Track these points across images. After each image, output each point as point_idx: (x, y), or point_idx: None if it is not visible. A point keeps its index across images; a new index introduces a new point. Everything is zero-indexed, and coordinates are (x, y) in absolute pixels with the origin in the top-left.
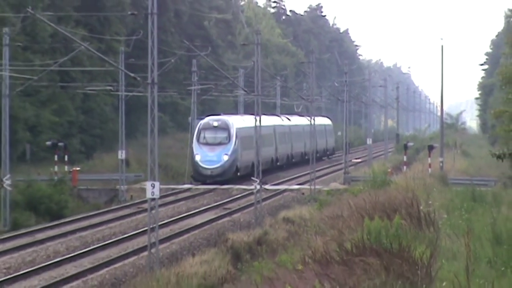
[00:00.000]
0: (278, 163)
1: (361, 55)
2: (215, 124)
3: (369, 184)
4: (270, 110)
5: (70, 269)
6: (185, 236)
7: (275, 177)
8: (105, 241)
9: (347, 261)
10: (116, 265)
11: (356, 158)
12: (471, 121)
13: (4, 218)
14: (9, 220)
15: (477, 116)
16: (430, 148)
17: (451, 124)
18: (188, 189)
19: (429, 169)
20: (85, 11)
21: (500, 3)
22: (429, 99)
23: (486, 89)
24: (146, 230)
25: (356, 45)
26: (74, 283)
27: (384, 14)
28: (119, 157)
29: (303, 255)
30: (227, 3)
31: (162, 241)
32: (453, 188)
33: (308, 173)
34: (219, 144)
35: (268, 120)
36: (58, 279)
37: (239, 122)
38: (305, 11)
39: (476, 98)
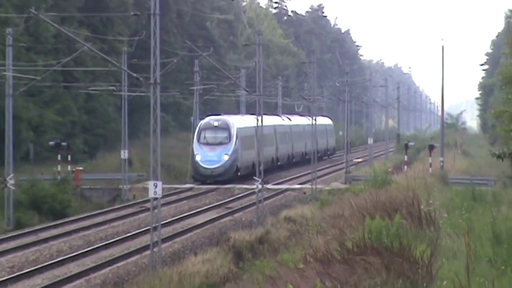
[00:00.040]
0: (278, 163)
1: (362, 55)
2: (216, 124)
3: (370, 183)
4: (272, 110)
5: (73, 268)
6: (188, 235)
7: (276, 176)
8: (108, 240)
9: (348, 260)
10: (119, 264)
11: (357, 158)
12: (472, 121)
13: (8, 218)
14: (13, 219)
15: (478, 116)
16: (431, 147)
17: (452, 124)
18: (190, 189)
19: (430, 169)
20: (88, 11)
21: (500, 3)
22: (429, 99)
23: (486, 89)
24: (149, 229)
25: (357, 46)
26: (77, 282)
27: (385, 15)
28: (122, 156)
29: (305, 254)
30: (229, 4)
31: (164, 240)
32: (453, 187)
33: (309, 173)
34: (220, 144)
35: (268, 120)
36: (61, 278)
37: (240, 122)
38: (306, 12)
39: (477, 98)
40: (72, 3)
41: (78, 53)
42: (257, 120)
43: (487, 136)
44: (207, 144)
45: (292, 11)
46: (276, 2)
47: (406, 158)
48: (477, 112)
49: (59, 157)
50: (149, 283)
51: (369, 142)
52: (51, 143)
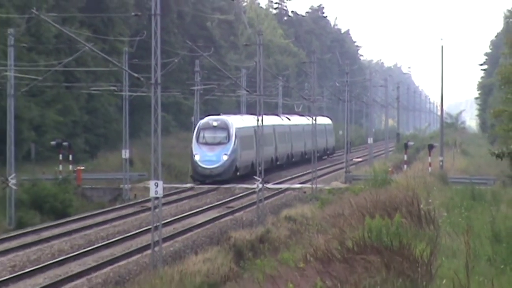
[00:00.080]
0: (278, 163)
1: (362, 55)
2: (215, 124)
3: (370, 183)
4: (272, 109)
5: (74, 267)
6: (188, 234)
7: (276, 176)
8: (109, 240)
9: (348, 259)
10: (120, 263)
11: (357, 157)
12: (471, 121)
13: (10, 217)
14: (15, 219)
15: (477, 115)
16: (430, 147)
17: (451, 124)
18: (191, 188)
19: (429, 168)
20: (89, 12)
21: (499, 4)
22: (429, 99)
23: (485, 89)
24: (150, 228)
25: (357, 46)
26: (78, 281)
27: (385, 15)
28: (123, 156)
29: (305, 253)
30: (229, 4)
31: (165, 239)
32: (453, 186)
33: (309, 172)
34: (219, 144)
35: (267, 120)
36: (62, 277)
37: (239, 122)
38: (306, 12)
39: (476, 98)
40: (73, 3)
41: (80, 53)
42: (257, 120)
43: (486, 135)
44: (206, 144)
45: (292, 12)
46: (276, 3)
47: (405, 157)
48: (476, 112)
49: (60, 156)
50: (150, 282)
51: (369, 141)
52: (53, 143)
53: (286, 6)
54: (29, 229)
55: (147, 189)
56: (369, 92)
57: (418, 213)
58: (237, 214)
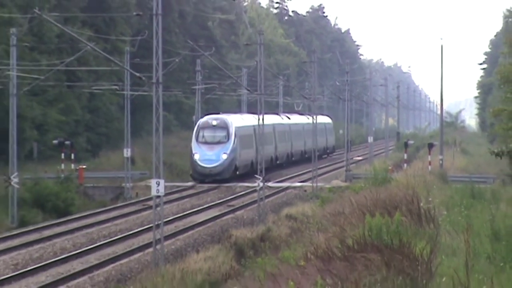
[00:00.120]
0: (278, 162)
1: (362, 54)
2: (214, 123)
3: (370, 181)
4: (273, 109)
5: (76, 265)
6: (190, 232)
7: (276, 175)
8: (111, 238)
9: (348, 257)
10: (122, 261)
11: (357, 156)
12: (470, 120)
13: (12, 215)
14: (17, 217)
15: (476, 114)
16: (430, 146)
17: (451, 123)
18: (192, 187)
19: (429, 167)
20: (91, 12)
21: (498, 3)
22: (429, 98)
23: (485, 88)
24: (151, 227)
25: (357, 45)
26: (80, 279)
27: (385, 15)
28: (125, 155)
29: (306, 251)
30: (230, 4)
31: (167, 237)
32: (452, 185)
33: (309, 171)
34: (218, 143)
35: (267, 119)
36: (64, 275)
37: (238, 121)
38: (307, 12)
39: (475, 97)
40: (75, 3)
41: (81, 53)
42: (258, 119)
43: (485, 134)
44: (206, 143)
45: (292, 11)
46: (277, 2)
47: (405, 156)
48: (475, 111)
49: (62, 155)
50: (151, 280)
51: (369, 140)
52: (55, 141)
53: (286, 6)
54: (31, 227)
55: (148, 188)
56: (369, 91)
57: (418, 212)
58: (238, 213)
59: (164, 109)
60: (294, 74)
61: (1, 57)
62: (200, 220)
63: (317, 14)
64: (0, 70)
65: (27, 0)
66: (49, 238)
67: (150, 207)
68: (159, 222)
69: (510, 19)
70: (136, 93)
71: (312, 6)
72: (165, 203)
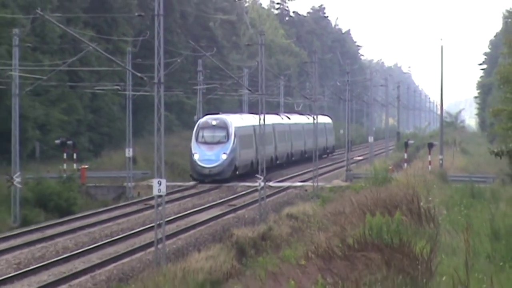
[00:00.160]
0: (278, 162)
1: (362, 55)
2: (214, 123)
3: (370, 181)
4: (274, 109)
5: (78, 264)
6: (191, 232)
7: (277, 175)
8: (113, 237)
9: (349, 256)
10: (124, 261)
11: (358, 156)
12: (470, 120)
13: (15, 215)
14: (19, 217)
15: (476, 114)
16: (430, 146)
17: (451, 123)
18: (194, 186)
19: (429, 167)
20: (93, 12)
21: (498, 4)
22: (429, 98)
23: (484, 88)
24: (153, 226)
25: (358, 46)
26: (82, 278)
27: (385, 15)
28: (127, 155)
29: (306, 250)
30: (231, 5)
31: (168, 237)
32: (452, 185)
33: (309, 171)
34: (218, 143)
35: (267, 119)
36: (67, 274)
37: (238, 121)
38: (308, 12)
39: (475, 97)
40: (78, 4)
41: (84, 53)
42: (259, 119)
43: (485, 134)
44: (205, 143)
45: (293, 12)
46: (278, 3)
47: (406, 156)
48: (475, 111)
49: (64, 155)
50: (153, 279)
51: (369, 140)
52: (57, 141)
53: (287, 7)
54: (34, 227)
55: (150, 187)
56: (369, 92)
57: (418, 211)
58: (239, 212)
59: (165, 109)
60: (295, 74)
61: (3, 57)
62: (202, 220)
63: (318, 14)
64: (2, 70)
65: (30, 0)
66: (51, 237)
67: (152, 207)
68: (161, 221)
69: (509, 20)
70: (137, 93)
71: (313, 6)
72: (167, 202)
